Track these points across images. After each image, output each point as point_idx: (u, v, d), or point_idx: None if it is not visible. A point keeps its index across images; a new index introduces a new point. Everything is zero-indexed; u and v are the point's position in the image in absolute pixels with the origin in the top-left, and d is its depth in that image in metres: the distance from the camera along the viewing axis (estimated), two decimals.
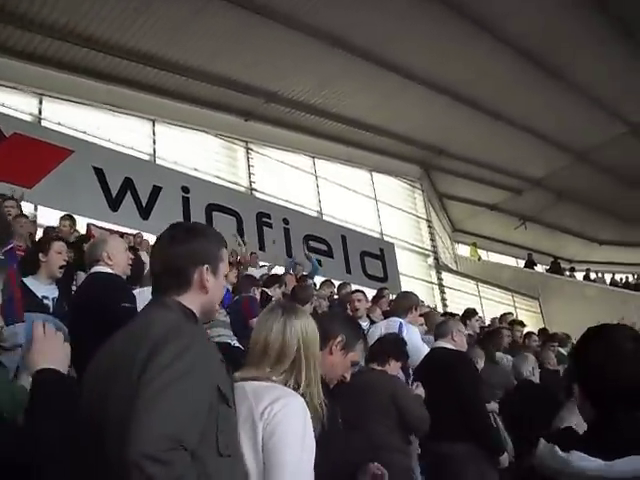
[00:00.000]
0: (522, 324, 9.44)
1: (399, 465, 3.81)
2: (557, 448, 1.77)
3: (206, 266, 1.96)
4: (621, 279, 24.27)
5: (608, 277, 23.94)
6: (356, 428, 3.46)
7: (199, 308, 1.96)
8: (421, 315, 6.37)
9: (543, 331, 10.74)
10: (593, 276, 23.86)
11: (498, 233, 23.79)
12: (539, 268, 23.63)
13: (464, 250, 23.50)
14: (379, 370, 4.29)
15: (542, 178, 20.70)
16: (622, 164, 20.58)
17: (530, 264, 22.97)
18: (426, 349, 5.10)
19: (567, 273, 23.32)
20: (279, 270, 10.01)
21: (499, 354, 7.12)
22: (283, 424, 1.88)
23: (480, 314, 12.64)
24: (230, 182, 14.36)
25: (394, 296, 7.64)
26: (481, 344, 6.66)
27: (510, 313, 12.59)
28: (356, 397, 3.78)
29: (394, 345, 4.50)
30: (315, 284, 9.67)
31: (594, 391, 1.84)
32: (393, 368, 4.37)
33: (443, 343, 4.81)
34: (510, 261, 24.61)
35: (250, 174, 14.89)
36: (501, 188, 20.76)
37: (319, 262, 12.86)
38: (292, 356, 2.09)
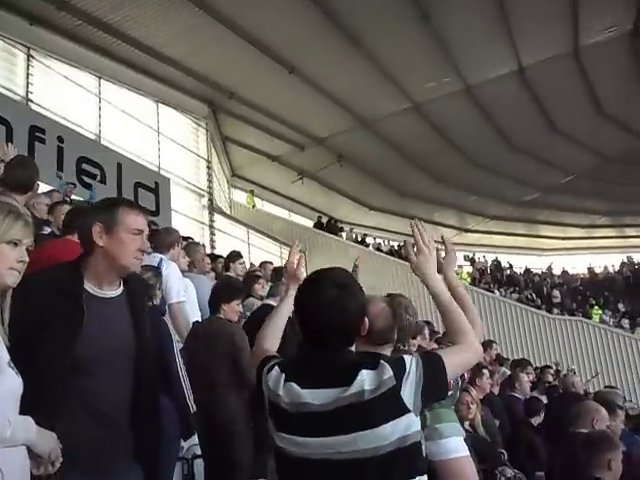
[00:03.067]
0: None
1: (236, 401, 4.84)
2: (283, 378, 2.24)
3: None
4: (385, 245, 27.34)
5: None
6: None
7: None
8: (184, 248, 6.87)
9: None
10: (370, 240, 26.57)
11: (275, 184, 25.54)
12: (310, 224, 25.75)
13: (240, 196, 24.85)
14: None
15: (326, 138, 22.66)
16: (402, 138, 23.31)
17: (319, 225, 24.73)
18: (186, 283, 5.93)
19: (344, 233, 25.60)
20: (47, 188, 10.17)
21: (252, 299, 7.72)
22: None
23: (247, 260, 14.06)
24: (4, 88, 14.07)
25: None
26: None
27: (270, 262, 13.99)
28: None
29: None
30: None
31: (303, 330, 2.28)
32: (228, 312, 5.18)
33: None
34: (283, 213, 26.44)
35: (28, 83, 14.62)
36: (285, 141, 22.41)
37: (90, 186, 13.57)
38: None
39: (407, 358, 2.21)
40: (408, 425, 2.16)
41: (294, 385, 2.21)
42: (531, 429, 6.43)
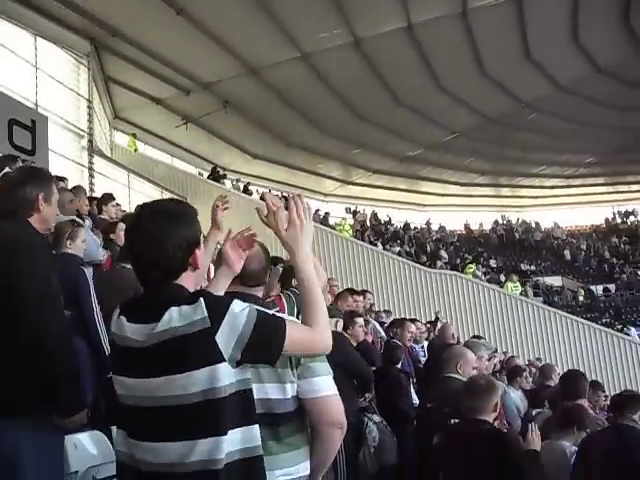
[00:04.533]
0: None
1: None
2: (117, 312, 2.22)
3: None
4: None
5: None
6: None
7: None
8: None
9: None
10: (253, 189, 26.69)
11: (159, 129, 25.33)
12: (193, 170, 25.81)
13: (122, 139, 24.46)
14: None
15: (212, 83, 22.63)
16: (289, 88, 23.62)
17: (216, 177, 24.35)
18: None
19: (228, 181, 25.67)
20: None
21: None
22: None
23: (127, 204, 14.15)
24: None
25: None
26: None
27: None
28: None
29: None
30: None
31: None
32: None
33: None
34: (166, 158, 26.28)
35: None
36: (170, 84, 22.23)
37: None
38: None
39: (237, 304, 2.12)
40: (222, 375, 2.06)
41: (122, 318, 2.18)
42: (396, 372, 6.88)
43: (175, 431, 2.06)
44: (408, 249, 28.05)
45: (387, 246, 26.68)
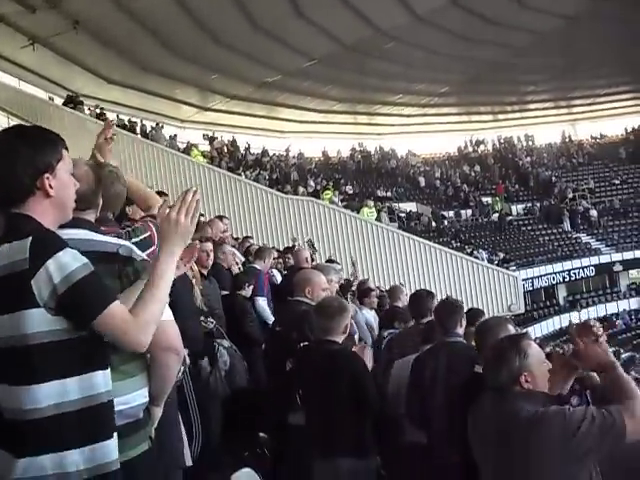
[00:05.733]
0: None
1: None
2: None
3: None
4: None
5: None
6: None
7: None
8: None
9: None
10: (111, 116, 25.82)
11: (2, 49, 23.89)
12: (43, 95, 24.77)
13: None
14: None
15: (60, 1, 21.45)
16: (143, 8, 23.03)
17: (72, 104, 23.14)
18: None
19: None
20: None
21: None
22: None
23: None
24: None
25: None
26: None
27: None
28: None
29: None
30: None
31: None
32: None
33: None
34: (12, 81, 24.97)
35: None
36: (13, 0, 21.04)
37: None
38: None
39: (69, 254, 2.07)
40: (34, 321, 2.02)
41: None
42: (240, 298, 6.94)
43: (2, 376, 2.08)
44: (267, 176, 28.37)
45: (247, 173, 26.97)
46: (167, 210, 2.28)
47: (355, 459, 4.33)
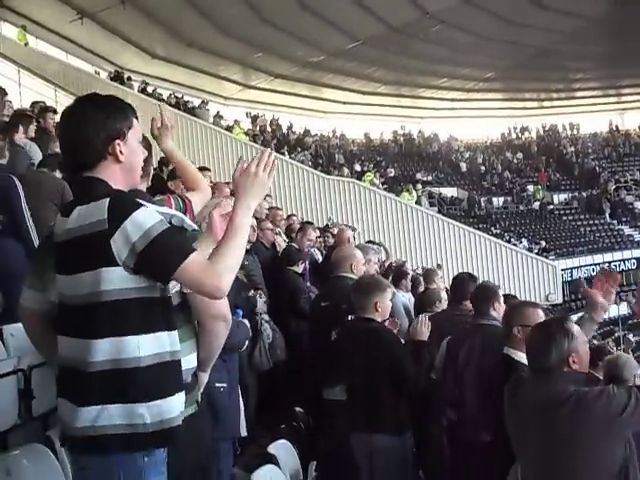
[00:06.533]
0: (55, 111, 9.67)
1: None
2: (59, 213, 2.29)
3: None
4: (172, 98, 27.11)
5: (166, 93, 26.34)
6: None
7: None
8: None
9: None
10: (150, 89, 26.11)
11: (51, 22, 24.41)
12: (89, 69, 25.00)
13: (10, 30, 23.50)
14: None
15: None
16: None
17: (120, 80, 23.43)
18: None
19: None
20: None
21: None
22: None
23: (18, 102, 13.69)
24: None
25: None
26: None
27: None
28: None
29: None
30: None
31: None
32: None
33: None
34: (60, 54, 25.29)
35: None
36: None
37: None
38: None
39: (146, 212, 2.15)
40: (112, 279, 2.11)
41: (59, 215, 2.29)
42: (291, 274, 6.99)
43: (75, 331, 2.18)
44: (311, 156, 28.29)
45: (292, 155, 26.90)
46: (245, 164, 2.30)
47: (390, 436, 4.44)
